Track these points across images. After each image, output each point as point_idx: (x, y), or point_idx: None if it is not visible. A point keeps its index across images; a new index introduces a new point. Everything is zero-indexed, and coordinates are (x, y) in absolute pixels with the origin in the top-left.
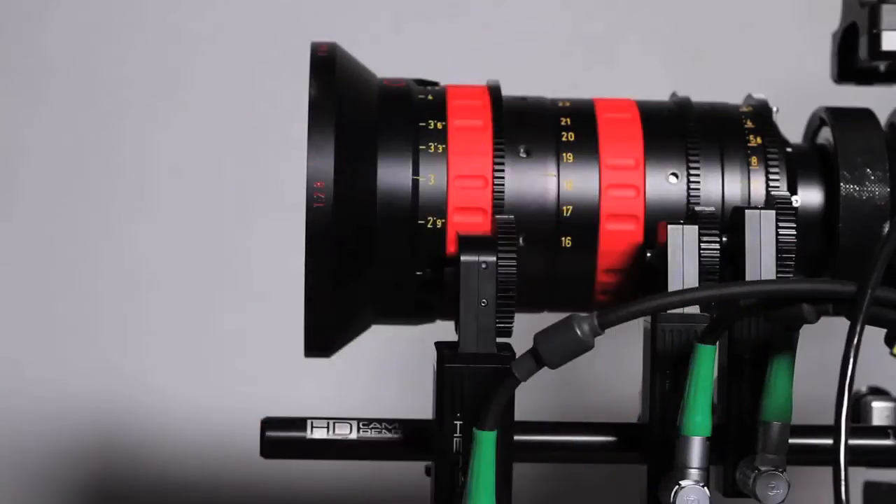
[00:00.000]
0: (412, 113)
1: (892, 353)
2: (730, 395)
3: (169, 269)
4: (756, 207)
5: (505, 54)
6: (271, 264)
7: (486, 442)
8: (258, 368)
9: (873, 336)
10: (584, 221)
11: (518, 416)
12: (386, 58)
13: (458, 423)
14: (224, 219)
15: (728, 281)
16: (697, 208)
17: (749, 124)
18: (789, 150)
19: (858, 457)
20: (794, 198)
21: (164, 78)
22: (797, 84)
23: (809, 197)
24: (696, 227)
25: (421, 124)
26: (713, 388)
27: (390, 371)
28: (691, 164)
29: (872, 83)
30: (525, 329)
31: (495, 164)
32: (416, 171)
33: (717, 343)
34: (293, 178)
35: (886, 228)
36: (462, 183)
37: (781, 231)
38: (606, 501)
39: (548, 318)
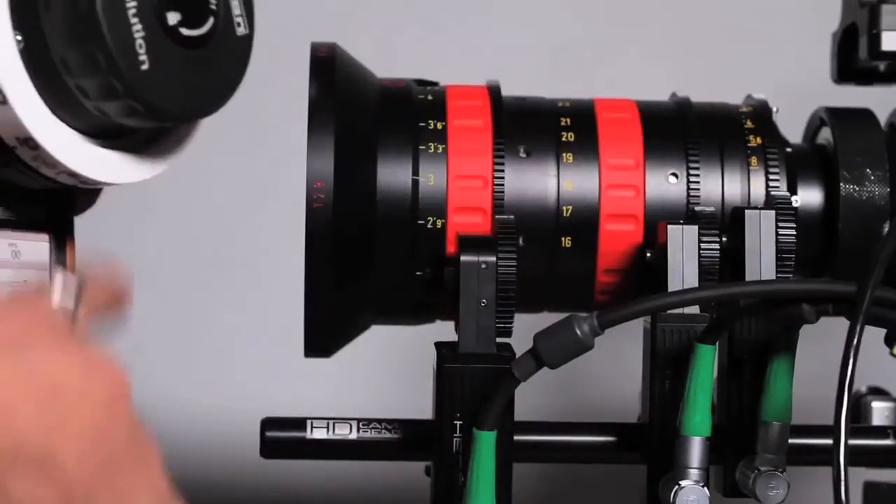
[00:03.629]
0: (412, 113)
1: (892, 353)
2: (730, 395)
3: (169, 268)
4: (756, 207)
5: (505, 54)
6: (271, 264)
7: (486, 442)
8: (258, 368)
9: (873, 336)
10: (584, 221)
11: (518, 416)
12: (386, 58)
13: (458, 423)
14: (224, 219)
15: (728, 281)
16: (697, 208)
17: (749, 124)
18: (789, 150)
19: (858, 457)
20: (793, 198)
21: None
22: (797, 84)
23: (809, 197)
24: (696, 227)
25: (421, 124)
26: (713, 388)
27: (390, 371)
28: (691, 164)
29: (872, 83)
30: (525, 329)
31: (495, 164)
32: (416, 171)
33: (717, 343)
34: (293, 179)
35: (886, 228)
36: (462, 183)
37: (781, 231)
38: (606, 501)
39: (548, 318)
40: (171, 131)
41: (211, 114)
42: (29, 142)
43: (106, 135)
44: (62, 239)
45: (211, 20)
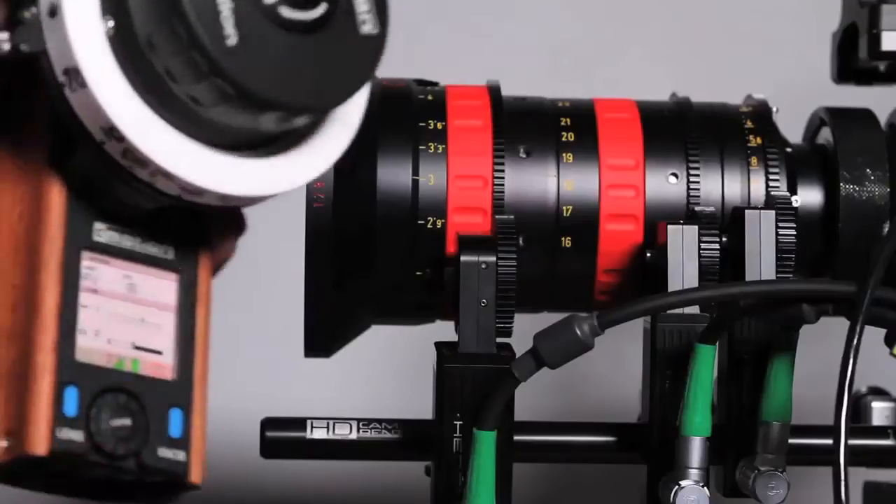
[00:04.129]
0: (412, 113)
1: (892, 353)
2: (730, 395)
3: None
4: (756, 207)
5: (505, 54)
6: (271, 264)
7: (486, 442)
8: (258, 368)
9: (873, 336)
10: (584, 221)
11: (518, 416)
12: (386, 58)
13: (458, 423)
14: None
15: (728, 281)
16: (697, 208)
17: (749, 124)
18: (789, 150)
19: (858, 457)
20: (793, 198)
21: None
22: (797, 84)
23: (809, 197)
24: (696, 227)
25: (421, 124)
26: (713, 388)
27: (390, 371)
28: (691, 164)
29: (872, 83)
30: (525, 329)
31: (495, 164)
32: (416, 171)
33: (717, 343)
34: None
35: (886, 228)
36: (462, 183)
37: (781, 231)
38: (606, 501)
39: (548, 318)
40: (309, 138)
41: (320, 109)
42: (113, 132)
43: (237, 146)
44: (192, 282)
45: (323, 6)
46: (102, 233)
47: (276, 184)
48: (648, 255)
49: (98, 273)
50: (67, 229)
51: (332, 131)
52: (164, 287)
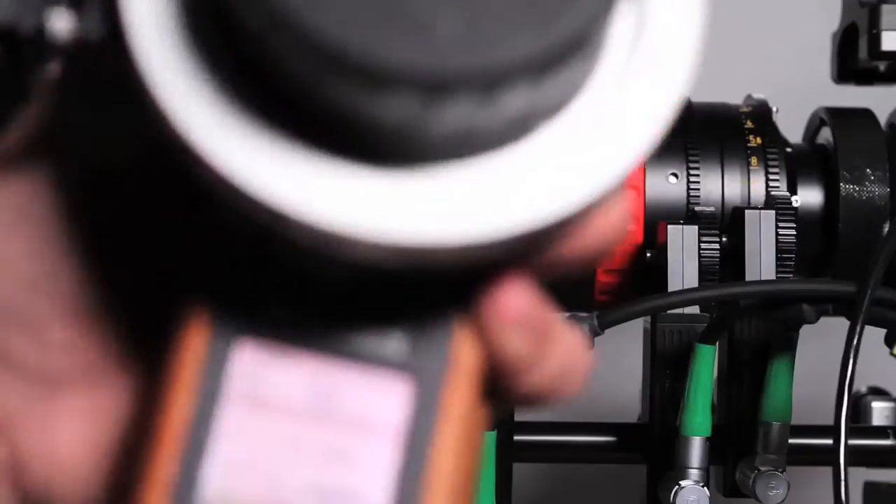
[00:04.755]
0: None
1: (892, 353)
2: (730, 395)
3: None
4: (756, 207)
5: None
6: None
7: (487, 442)
8: None
9: (873, 336)
10: None
11: (518, 416)
12: None
13: None
14: None
15: (728, 281)
16: (697, 208)
17: (749, 124)
18: (789, 150)
19: (858, 457)
20: (793, 198)
21: None
22: (797, 84)
23: (809, 197)
24: (696, 227)
25: None
26: (713, 388)
27: None
28: (691, 164)
29: (872, 83)
30: None
31: None
32: None
33: (717, 343)
34: None
35: (886, 228)
36: None
37: (781, 231)
38: (606, 501)
39: None
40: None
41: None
42: (184, 150)
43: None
44: (432, 390)
45: None
46: (277, 314)
47: (483, 223)
48: (648, 255)
49: (264, 374)
50: (214, 307)
51: (605, 140)
52: (380, 397)
